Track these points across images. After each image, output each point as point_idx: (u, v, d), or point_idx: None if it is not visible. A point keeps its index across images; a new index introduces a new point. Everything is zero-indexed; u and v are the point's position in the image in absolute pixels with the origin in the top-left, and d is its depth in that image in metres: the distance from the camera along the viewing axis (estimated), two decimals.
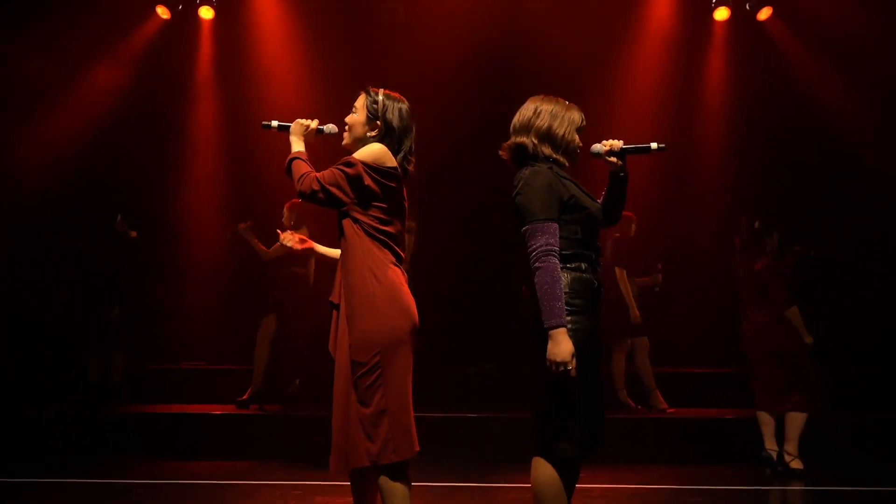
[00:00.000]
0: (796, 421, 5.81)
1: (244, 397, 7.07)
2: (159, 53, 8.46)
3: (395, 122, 3.38)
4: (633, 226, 7.20)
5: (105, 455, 6.38)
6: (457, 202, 8.21)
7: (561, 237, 2.98)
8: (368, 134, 3.41)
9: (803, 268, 6.20)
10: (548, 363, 2.89)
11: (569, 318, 2.93)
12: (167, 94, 8.59)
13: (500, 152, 3.23)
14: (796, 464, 5.80)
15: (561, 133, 3.14)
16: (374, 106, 3.40)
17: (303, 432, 6.47)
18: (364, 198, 3.28)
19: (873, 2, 7.92)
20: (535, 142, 3.13)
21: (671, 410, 7.02)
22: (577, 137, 3.18)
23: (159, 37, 8.46)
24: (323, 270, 6.89)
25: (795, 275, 6.06)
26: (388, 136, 3.38)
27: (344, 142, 3.48)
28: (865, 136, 8.00)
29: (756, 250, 6.05)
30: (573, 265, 3.02)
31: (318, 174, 3.28)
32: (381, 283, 3.24)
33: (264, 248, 6.98)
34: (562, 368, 2.88)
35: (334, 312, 3.36)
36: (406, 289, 3.31)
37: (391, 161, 3.31)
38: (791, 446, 5.82)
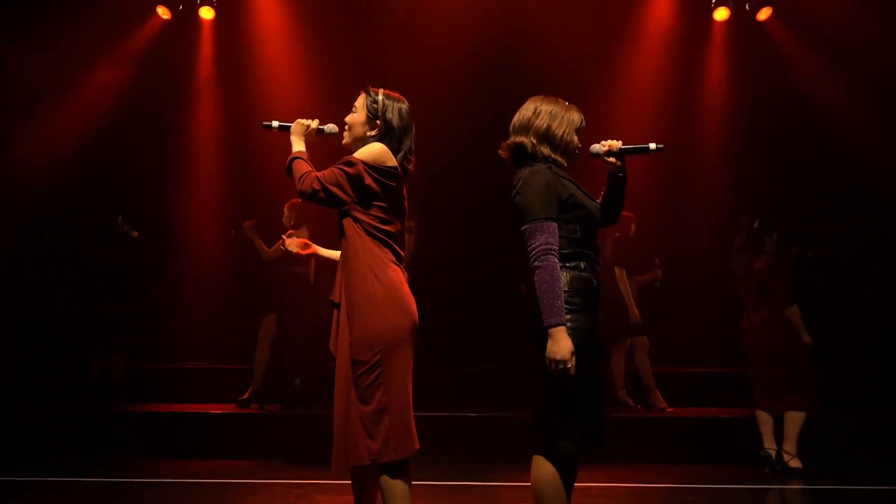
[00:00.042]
0: (795, 420, 5.82)
1: (245, 397, 7.09)
2: (160, 53, 8.47)
3: (395, 121, 3.39)
4: (633, 226, 7.21)
5: (106, 454, 6.38)
6: (457, 202, 8.21)
7: (560, 236, 3.00)
8: (368, 133, 3.42)
9: (801, 268, 6.20)
10: (547, 361, 2.90)
11: (568, 316, 2.94)
12: (167, 94, 8.60)
13: (500, 151, 3.24)
14: (795, 463, 5.81)
15: (560, 134, 3.15)
16: (374, 105, 3.41)
17: (303, 431, 6.49)
18: (364, 197, 3.29)
19: (873, 2, 7.92)
20: (534, 142, 3.14)
21: (670, 410, 7.03)
22: (575, 138, 3.19)
23: (160, 37, 8.46)
24: (323, 270, 6.90)
25: (794, 275, 6.07)
26: (387, 135, 3.39)
27: (344, 141, 3.50)
28: (865, 136, 8.00)
29: (755, 250, 6.07)
30: (572, 264, 3.04)
31: (318, 173, 3.30)
32: (381, 282, 3.25)
33: (266, 247, 7.00)
34: (561, 367, 2.89)
35: (335, 311, 3.37)
36: (406, 288, 3.33)
37: (391, 161, 3.33)
38: (790, 445, 5.83)
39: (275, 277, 7.06)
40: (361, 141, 3.43)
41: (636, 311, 7.03)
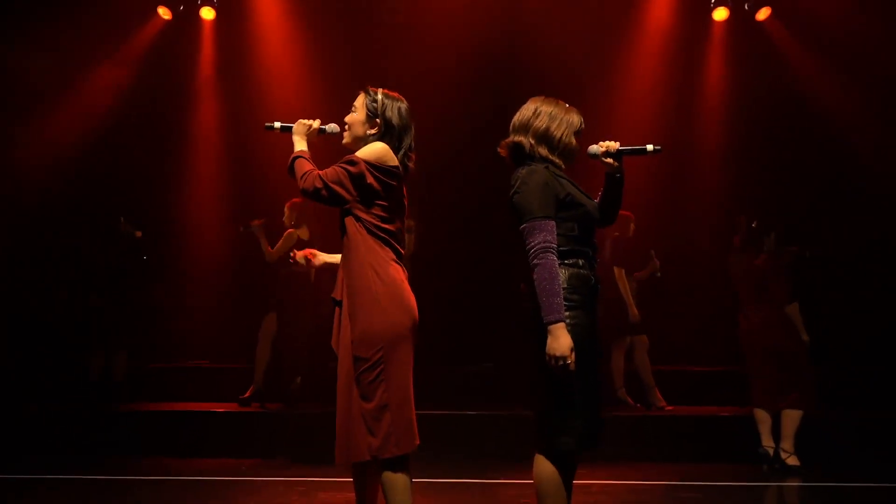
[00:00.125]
0: (793, 418, 5.84)
1: (246, 395, 7.11)
2: (160, 54, 8.47)
3: (395, 120, 3.42)
4: (632, 225, 7.22)
5: (107, 453, 6.39)
6: (457, 202, 8.22)
7: (558, 234, 3.02)
8: (368, 132, 3.45)
9: (801, 268, 6.22)
10: (547, 358, 2.93)
11: (567, 313, 2.97)
12: (168, 94, 8.61)
13: (499, 149, 3.27)
14: (792, 460, 5.83)
15: (558, 135, 3.18)
16: (374, 105, 3.44)
17: (305, 430, 6.52)
18: (366, 196, 3.32)
19: (872, 2, 7.92)
20: (533, 142, 3.17)
21: (669, 408, 7.05)
22: (574, 140, 3.21)
23: (160, 37, 8.47)
24: (325, 270, 6.91)
25: (794, 274, 6.09)
26: (388, 134, 3.42)
27: (344, 141, 3.53)
28: (865, 136, 8.00)
29: (754, 249, 6.09)
30: (570, 261, 3.06)
31: (320, 172, 3.33)
32: (382, 280, 3.28)
33: (270, 248, 7.02)
34: (561, 363, 2.92)
35: (337, 309, 3.40)
36: (407, 285, 3.36)
37: (393, 160, 3.35)
38: (787, 443, 5.86)
39: (275, 277, 7.09)
40: (362, 140, 3.45)
41: (635, 310, 7.05)
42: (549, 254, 2.97)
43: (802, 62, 8.30)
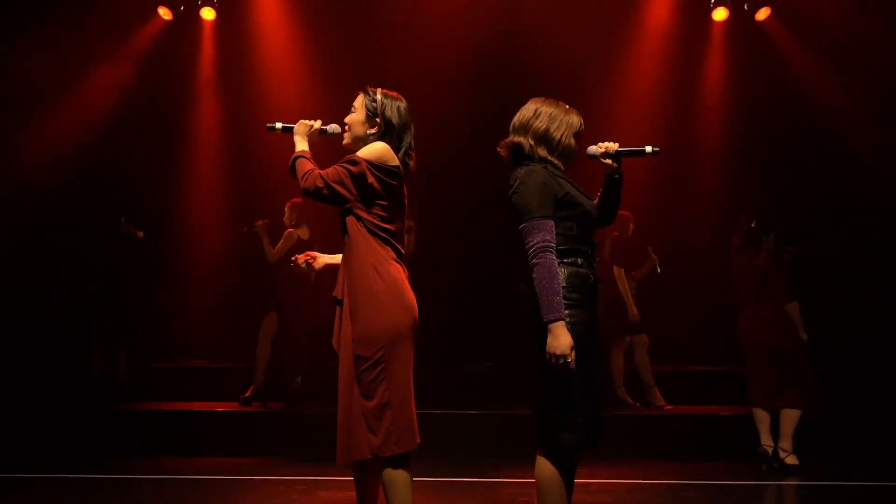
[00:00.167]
0: (791, 417, 5.85)
1: (247, 395, 7.13)
2: (161, 54, 8.48)
3: (395, 119, 3.44)
4: (631, 225, 7.24)
5: (108, 452, 6.40)
6: (457, 202, 8.23)
7: (557, 234, 3.04)
8: (368, 132, 3.46)
9: (800, 268, 6.23)
10: (547, 356, 2.95)
11: (566, 311, 2.98)
12: (168, 94, 8.62)
13: (499, 149, 3.28)
14: (791, 459, 5.84)
15: (558, 137, 3.19)
16: (373, 104, 3.45)
17: (305, 429, 6.54)
18: (367, 196, 3.33)
19: (872, 2, 7.93)
20: (532, 143, 3.19)
21: (669, 407, 7.07)
22: (574, 141, 3.23)
23: (161, 37, 8.48)
24: (325, 270, 6.92)
25: (793, 274, 6.10)
26: (388, 133, 3.43)
27: (345, 142, 3.54)
28: (865, 136, 8.00)
29: (753, 249, 6.10)
30: (569, 260, 3.08)
31: (322, 172, 3.34)
32: (383, 279, 3.30)
33: (272, 249, 7.04)
34: (561, 361, 2.93)
35: (338, 308, 3.42)
36: (407, 284, 3.38)
37: (394, 160, 3.37)
38: (786, 443, 5.87)
39: (276, 276, 7.11)
40: (362, 140, 3.47)
41: (635, 309, 7.06)
42: (549, 253, 2.98)
43: (802, 62, 8.30)
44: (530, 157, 3.18)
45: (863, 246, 7.98)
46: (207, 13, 8.42)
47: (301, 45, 8.52)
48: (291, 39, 8.55)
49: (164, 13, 8.33)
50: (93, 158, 8.24)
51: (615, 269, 7.06)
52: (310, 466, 5.85)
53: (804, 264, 6.39)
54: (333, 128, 3.61)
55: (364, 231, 3.34)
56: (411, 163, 3.47)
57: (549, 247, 2.99)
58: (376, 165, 3.32)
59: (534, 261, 2.98)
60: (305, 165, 3.39)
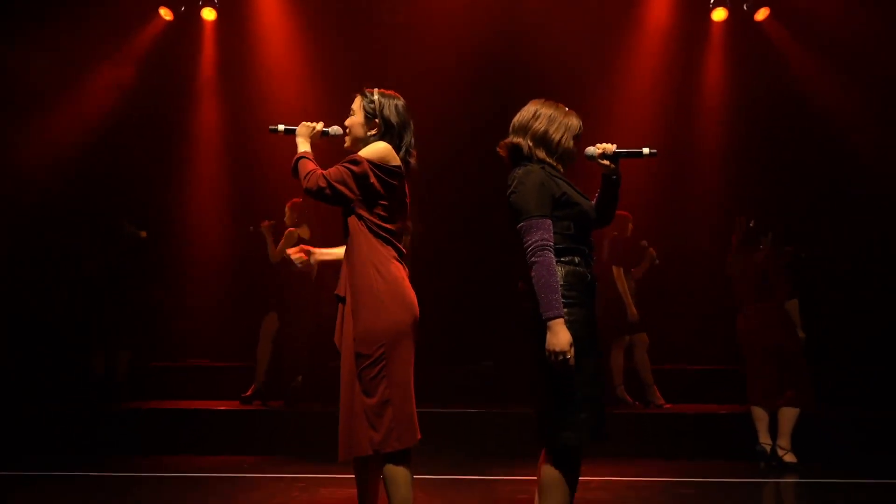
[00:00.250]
0: (789, 416, 5.88)
1: (248, 393, 7.15)
2: (162, 54, 8.48)
3: (393, 118, 3.46)
4: (630, 225, 7.25)
5: (109, 451, 6.41)
6: (457, 202, 8.24)
7: (554, 233, 3.07)
8: (369, 133, 3.48)
9: (799, 268, 6.25)
10: (547, 353, 2.97)
11: (565, 310, 3.00)
12: (169, 95, 8.61)
13: (498, 149, 3.31)
14: (789, 457, 5.86)
15: (557, 138, 3.21)
16: (371, 105, 3.47)
17: (305, 427, 6.56)
18: (369, 195, 3.35)
19: (872, 2, 7.94)
20: (531, 144, 3.22)
21: (668, 406, 7.09)
22: (573, 143, 3.25)
23: (162, 38, 8.47)
24: (326, 270, 6.95)
25: (792, 273, 6.12)
26: (388, 133, 3.45)
27: (346, 145, 3.56)
28: (865, 136, 7.99)
29: (752, 249, 6.11)
30: (567, 259, 3.10)
31: (324, 172, 3.36)
32: (384, 278, 3.32)
33: (275, 249, 7.06)
34: (561, 358, 2.95)
35: (340, 306, 3.44)
36: (408, 283, 3.40)
37: (395, 160, 3.39)
38: (784, 441, 5.89)
39: (276, 276, 7.13)
40: (363, 142, 3.49)
41: (634, 309, 7.08)
42: (547, 251, 3.01)
43: (802, 62, 8.31)
44: (529, 159, 3.21)
45: (863, 246, 7.99)
46: (208, 13, 8.43)
47: (301, 46, 8.53)
48: (292, 40, 8.56)
49: (165, 13, 8.34)
50: (93, 158, 8.23)
51: (614, 268, 7.08)
52: (310, 464, 5.87)
53: (803, 264, 6.41)
54: (335, 130, 3.63)
55: (365, 230, 3.36)
56: (412, 161, 3.49)
57: (546, 245, 3.02)
58: (378, 165, 3.34)
59: (532, 259, 3.01)
60: (308, 166, 3.42)
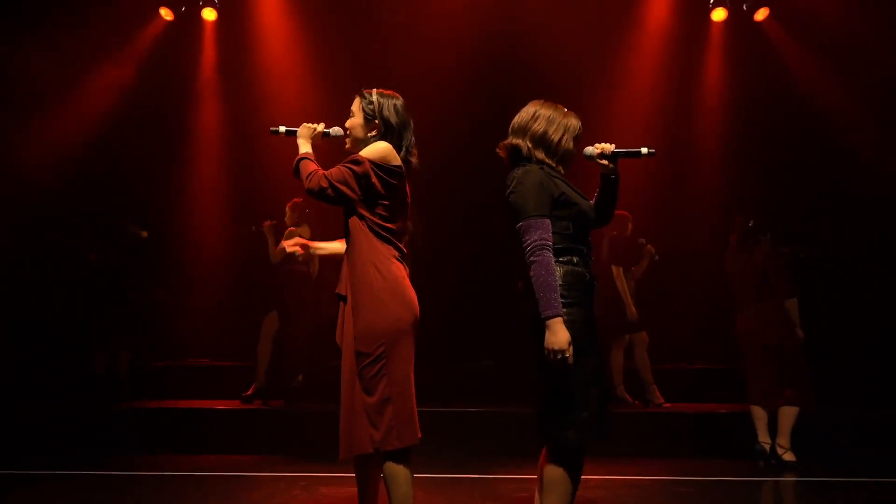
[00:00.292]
0: (789, 415, 5.88)
1: (248, 393, 7.16)
2: (162, 55, 8.48)
3: (393, 118, 3.47)
4: (630, 225, 7.26)
5: (110, 450, 6.41)
6: (457, 202, 8.25)
7: (553, 233, 3.08)
8: (369, 134, 3.49)
9: (798, 268, 6.26)
10: (546, 352, 2.98)
11: (564, 309, 3.01)
12: (169, 95, 8.61)
13: (498, 150, 3.32)
14: (789, 456, 5.87)
15: (556, 139, 3.22)
16: (370, 106, 3.48)
17: (306, 426, 6.57)
18: (370, 195, 3.37)
19: (871, 2, 7.95)
20: (530, 145, 3.23)
21: (667, 405, 7.10)
22: (572, 144, 3.26)
23: (162, 38, 8.48)
24: (326, 269, 6.97)
25: (792, 272, 6.12)
26: (388, 133, 3.46)
27: (347, 146, 3.57)
28: (865, 136, 8.00)
29: (751, 248, 6.12)
30: (566, 258, 3.12)
31: (325, 172, 3.37)
32: (384, 277, 3.33)
33: (276, 250, 7.07)
34: (560, 356, 2.96)
35: (341, 304, 3.45)
36: (408, 282, 3.41)
37: (396, 160, 3.40)
38: (783, 439, 5.90)
39: (277, 275, 7.14)
40: (363, 143, 3.50)
41: (633, 309, 7.08)
42: (545, 251, 3.02)
43: (801, 62, 8.31)
44: (528, 160, 3.22)
45: (863, 246, 7.99)
46: (209, 14, 8.43)
47: (302, 46, 8.53)
48: (292, 40, 8.56)
49: (166, 14, 8.34)
50: (93, 158, 8.23)
51: (613, 268, 7.08)
52: (311, 463, 5.88)
53: (803, 264, 6.41)
54: (336, 131, 3.64)
55: (366, 230, 3.37)
56: (413, 160, 3.50)
57: (545, 245, 3.03)
58: (379, 165, 3.35)
59: (531, 259, 3.02)
60: (309, 167, 3.43)
